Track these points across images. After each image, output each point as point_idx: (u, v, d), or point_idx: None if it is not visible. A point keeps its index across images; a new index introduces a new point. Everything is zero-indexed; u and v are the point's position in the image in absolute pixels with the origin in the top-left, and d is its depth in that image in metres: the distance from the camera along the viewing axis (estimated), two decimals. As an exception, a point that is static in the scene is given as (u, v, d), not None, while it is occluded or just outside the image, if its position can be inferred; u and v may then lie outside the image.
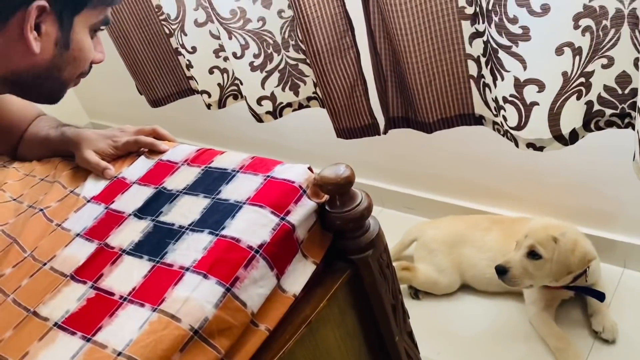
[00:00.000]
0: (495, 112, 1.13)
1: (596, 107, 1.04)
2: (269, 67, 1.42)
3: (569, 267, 1.24)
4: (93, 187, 1.04)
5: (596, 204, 1.43)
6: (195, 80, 1.59)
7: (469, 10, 1.06)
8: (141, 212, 0.93)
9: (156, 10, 1.56)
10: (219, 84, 1.59)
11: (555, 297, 1.38)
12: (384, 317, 0.99)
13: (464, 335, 1.44)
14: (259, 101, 1.48)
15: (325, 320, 0.91)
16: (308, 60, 1.34)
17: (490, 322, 1.45)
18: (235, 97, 1.61)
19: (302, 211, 0.86)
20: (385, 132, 1.36)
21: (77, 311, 0.80)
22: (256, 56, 1.40)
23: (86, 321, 0.78)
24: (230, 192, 0.90)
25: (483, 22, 1.01)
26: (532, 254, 1.25)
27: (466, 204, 1.68)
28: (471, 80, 1.16)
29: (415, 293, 1.56)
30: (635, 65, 0.96)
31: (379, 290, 0.96)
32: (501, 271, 1.28)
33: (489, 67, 1.07)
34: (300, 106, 1.50)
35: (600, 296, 1.31)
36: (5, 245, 0.95)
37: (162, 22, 1.57)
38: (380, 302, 0.97)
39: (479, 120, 1.22)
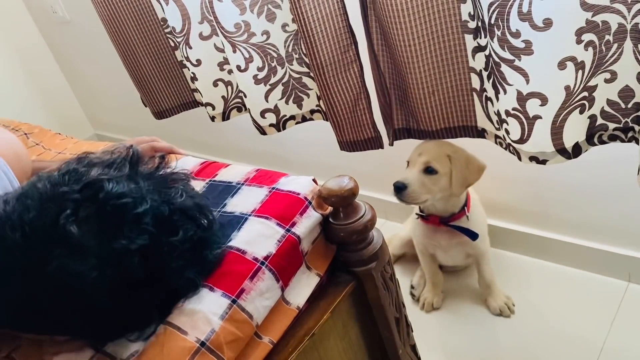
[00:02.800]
0: (497, 126, 1.14)
1: (599, 121, 1.04)
2: (273, 80, 1.43)
3: (467, 179, 1.31)
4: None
5: (600, 218, 1.43)
6: (200, 93, 1.60)
7: (472, 25, 1.07)
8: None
9: (161, 23, 1.57)
10: (223, 97, 1.60)
11: (435, 236, 1.45)
12: (387, 330, 0.99)
13: (469, 349, 1.44)
14: (262, 114, 1.48)
15: (328, 332, 0.91)
16: (312, 74, 1.35)
17: (496, 338, 1.45)
18: (239, 110, 1.62)
19: (307, 223, 0.86)
20: (391, 144, 1.37)
21: None
22: (260, 69, 1.41)
23: None
24: (235, 204, 0.90)
25: (485, 37, 1.02)
26: (428, 170, 1.30)
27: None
28: (474, 93, 1.17)
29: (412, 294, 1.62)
30: (639, 79, 0.96)
31: (383, 303, 0.96)
32: (400, 187, 1.29)
33: (491, 80, 1.07)
34: (304, 119, 1.51)
35: (473, 235, 1.38)
36: None
37: (168, 35, 1.59)
38: (383, 315, 0.97)
39: (481, 134, 1.23)
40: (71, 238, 0.65)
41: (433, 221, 1.41)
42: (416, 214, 1.45)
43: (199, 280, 0.78)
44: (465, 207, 1.38)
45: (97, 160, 0.75)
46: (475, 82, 1.15)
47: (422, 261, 1.57)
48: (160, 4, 1.47)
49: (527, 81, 0.99)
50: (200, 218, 0.76)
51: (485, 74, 1.10)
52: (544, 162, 1.08)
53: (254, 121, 1.51)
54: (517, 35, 0.95)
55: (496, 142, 1.19)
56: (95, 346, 0.75)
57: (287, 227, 0.84)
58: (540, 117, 1.02)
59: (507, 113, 1.06)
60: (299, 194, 0.89)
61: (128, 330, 0.73)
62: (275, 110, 1.47)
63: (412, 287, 1.63)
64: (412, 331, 1.07)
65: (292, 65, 1.41)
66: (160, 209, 0.71)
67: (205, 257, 0.78)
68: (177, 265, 0.72)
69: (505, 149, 1.16)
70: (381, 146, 1.39)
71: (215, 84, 1.57)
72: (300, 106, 1.48)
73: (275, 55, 1.40)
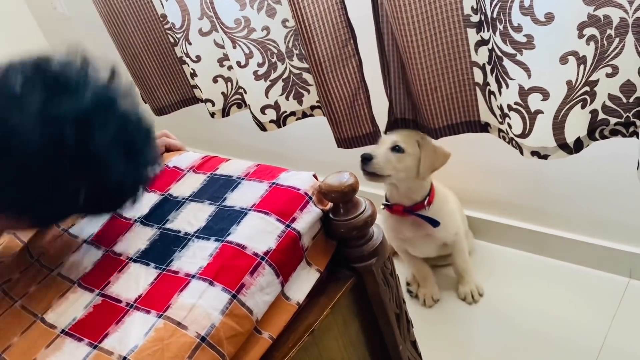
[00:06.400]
0: (500, 120, 1.14)
1: (601, 115, 1.04)
2: (273, 76, 1.43)
3: (433, 164, 1.36)
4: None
5: (601, 214, 1.43)
6: (200, 89, 1.59)
7: (475, 19, 1.07)
8: (147, 219, 0.93)
9: (161, 19, 1.57)
10: (223, 93, 1.59)
11: (401, 229, 1.48)
12: (387, 326, 0.99)
13: (470, 346, 1.44)
14: (262, 110, 1.48)
15: (328, 328, 0.91)
16: (310, 69, 1.34)
17: (495, 333, 1.45)
18: (239, 106, 1.62)
19: (307, 218, 0.86)
20: (385, 132, 1.37)
21: (83, 318, 0.80)
22: (260, 65, 1.41)
23: (93, 328, 0.78)
24: (235, 199, 0.90)
25: (488, 30, 1.02)
26: (396, 148, 1.34)
27: (470, 213, 1.68)
28: (477, 88, 1.17)
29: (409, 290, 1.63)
30: (640, 73, 0.96)
31: (383, 299, 0.95)
32: (367, 158, 1.33)
33: (494, 74, 1.07)
34: (304, 115, 1.51)
35: (435, 223, 1.43)
36: (16, 249, 0.96)
37: (167, 31, 1.58)
38: (384, 311, 0.97)
39: (484, 128, 1.23)
40: (12, 90, 0.72)
41: (397, 210, 1.44)
42: (382, 204, 1.47)
43: (136, 181, 0.83)
44: (428, 197, 1.41)
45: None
46: (478, 77, 1.15)
47: (403, 259, 1.59)
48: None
49: (529, 76, 0.98)
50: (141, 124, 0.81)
51: (488, 67, 1.09)
52: (545, 157, 1.07)
53: (254, 117, 1.51)
54: (518, 29, 0.94)
55: (499, 136, 1.19)
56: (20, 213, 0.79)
57: (287, 222, 0.84)
58: (542, 112, 1.02)
59: (510, 107, 1.05)
60: (299, 189, 0.88)
61: (59, 205, 0.78)
62: (276, 107, 1.47)
63: (407, 283, 1.64)
64: (413, 327, 1.07)
65: (292, 61, 1.41)
66: (101, 89, 0.77)
67: (138, 162, 0.82)
68: (109, 150, 0.76)
69: (508, 142, 1.16)
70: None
71: (215, 80, 1.57)
72: (300, 102, 1.47)
73: (275, 51, 1.39)
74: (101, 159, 0.76)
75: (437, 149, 1.36)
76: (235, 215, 0.86)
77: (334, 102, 1.34)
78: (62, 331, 0.79)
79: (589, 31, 0.92)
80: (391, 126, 1.36)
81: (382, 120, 1.36)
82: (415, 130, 1.35)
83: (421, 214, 1.42)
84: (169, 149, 1.11)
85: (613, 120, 1.04)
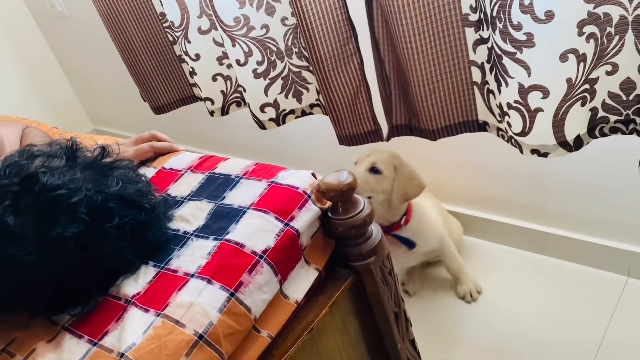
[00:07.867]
0: (499, 118, 1.13)
1: (601, 113, 1.04)
2: (272, 74, 1.42)
3: (407, 193, 1.37)
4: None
5: (599, 212, 1.43)
6: (199, 87, 1.59)
7: (473, 17, 1.06)
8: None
9: (160, 17, 1.56)
10: (222, 91, 1.59)
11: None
12: (386, 325, 0.99)
13: (469, 344, 1.43)
14: (262, 108, 1.48)
15: (327, 327, 0.90)
16: (311, 68, 1.34)
17: (494, 332, 1.45)
18: (239, 104, 1.61)
19: (306, 217, 0.86)
20: (387, 139, 1.37)
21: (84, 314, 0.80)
22: (259, 63, 1.41)
23: (93, 325, 0.78)
24: (234, 197, 0.90)
25: (487, 29, 1.01)
26: (373, 170, 1.36)
27: (469, 212, 1.68)
28: (475, 87, 1.16)
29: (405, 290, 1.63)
30: (640, 71, 0.96)
31: (381, 298, 0.95)
32: None
33: (493, 73, 1.07)
34: (303, 113, 1.50)
35: (411, 244, 1.45)
36: None
37: (166, 30, 1.58)
38: (382, 310, 0.97)
39: (482, 127, 1.22)
40: (8, 227, 0.72)
41: None
42: None
43: (138, 261, 0.83)
44: (405, 216, 1.43)
45: (38, 153, 0.80)
46: (476, 76, 1.14)
47: None
48: (159, -3, 1.46)
49: (529, 74, 0.98)
50: (141, 203, 0.81)
51: (487, 66, 1.09)
52: (545, 154, 1.07)
53: (254, 115, 1.51)
54: (518, 27, 0.94)
55: (498, 135, 1.19)
56: (35, 316, 0.81)
57: (285, 221, 0.84)
58: (542, 110, 1.01)
59: (509, 106, 1.05)
60: (297, 188, 0.88)
61: (69, 305, 0.80)
62: (275, 105, 1.47)
63: (402, 283, 1.64)
64: (411, 326, 1.07)
65: (291, 59, 1.41)
66: (94, 198, 0.75)
67: (146, 239, 0.83)
68: (114, 249, 0.78)
69: (507, 141, 1.16)
70: (381, 138, 1.38)
71: (214, 79, 1.56)
72: (299, 100, 1.47)
73: (274, 49, 1.39)
74: (107, 256, 0.78)
75: (413, 178, 1.37)
76: (234, 214, 0.86)
77: (335, 100, 1.34)
78: (63, 327, 0.79)
79: (588, 29, 0.92)
80: (392, 133, 1.36)
81: (383, 118, 1.36)
82: (395, 154, 1.37)
83: (398, 234, 1.43)
84: (158, 153, 1.11)
85: (613, 118, 1.03)
